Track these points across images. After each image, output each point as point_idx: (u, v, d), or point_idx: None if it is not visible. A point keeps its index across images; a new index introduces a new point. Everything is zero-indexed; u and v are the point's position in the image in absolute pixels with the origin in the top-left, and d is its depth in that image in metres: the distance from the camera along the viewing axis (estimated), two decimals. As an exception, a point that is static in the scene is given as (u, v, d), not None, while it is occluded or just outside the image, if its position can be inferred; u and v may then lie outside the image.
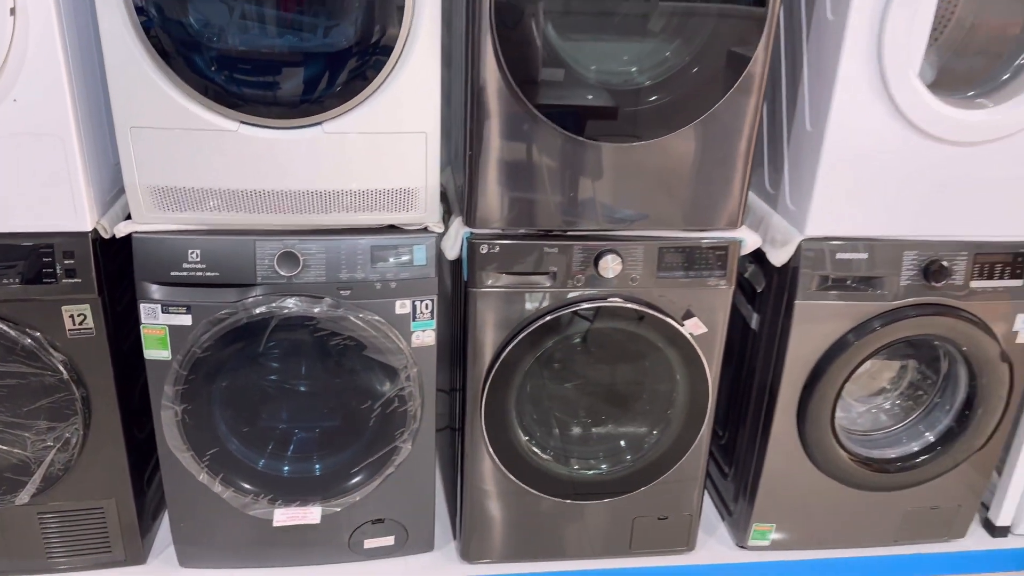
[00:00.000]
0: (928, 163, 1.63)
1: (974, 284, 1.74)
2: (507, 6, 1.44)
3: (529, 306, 1.67)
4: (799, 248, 1.69)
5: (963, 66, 1.75)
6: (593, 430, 1.89)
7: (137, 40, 1.40)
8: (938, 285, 1.72)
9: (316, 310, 1.59)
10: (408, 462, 1.75)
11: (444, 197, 1.87)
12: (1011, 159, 1.64)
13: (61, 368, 1.61)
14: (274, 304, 1.58)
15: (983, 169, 1.65)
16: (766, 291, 1.83)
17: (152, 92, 1.44)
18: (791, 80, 1.73)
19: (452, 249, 1.67)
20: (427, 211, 1.65)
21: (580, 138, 1.56)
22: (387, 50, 1.48)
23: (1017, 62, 1.63)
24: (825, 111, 1.58)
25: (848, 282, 1.72)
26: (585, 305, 1.66)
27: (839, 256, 1.70)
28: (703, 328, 1.71)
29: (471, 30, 1.48)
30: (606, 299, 1.67)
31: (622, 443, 1.86)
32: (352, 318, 1.60)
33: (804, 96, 1.67)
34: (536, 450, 1.81)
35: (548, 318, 1.66)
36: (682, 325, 1.70)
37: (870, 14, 1.50)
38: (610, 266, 1.64)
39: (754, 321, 1.89)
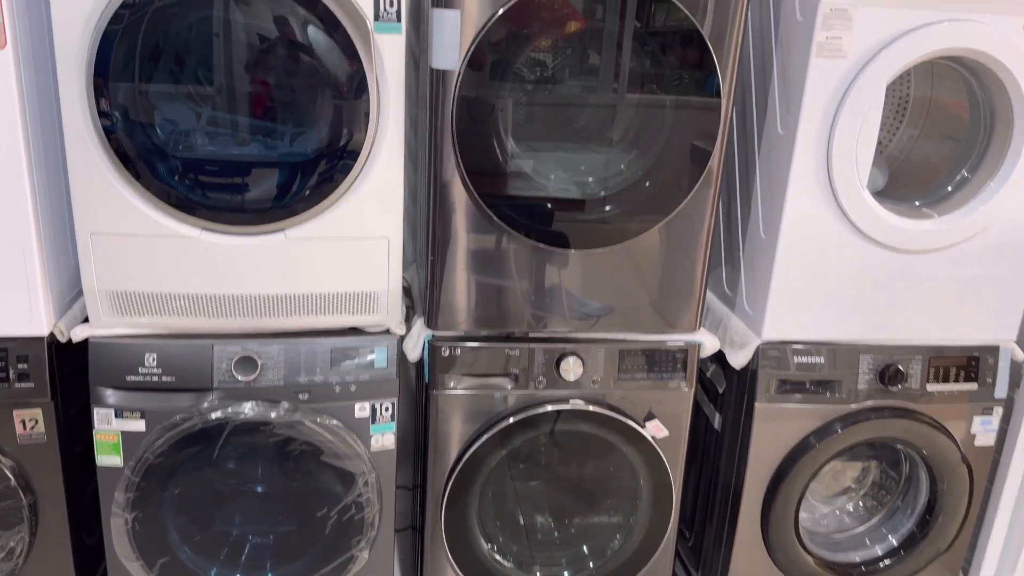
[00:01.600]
0: (879, 269, 1.67)
1: (931, 387, 1.76)
2: (467, 118, 1.48)
3: (491, 408, 1.66)
4: (757, 351, 1.71)
5: (910, 176, 1.82)
6: (556, 534, 1.86)
7: (100, 146, 1.42)
8: (895, 389, 1.74)
9: (273, 415, 1.57)
10: (365, 572, 1.70)
11: (408, 293, 1.88)
12: (959, 266, 1.69)
13: (9, 474, 1.56)
14: (230, 409, 1.56)
15: (933, 275, 1.69)
16: (727, 391, 1.84)
17: (113, 198, 1.45)
18: (744, 188, 1.79)
19: (414, 351, 1.67)
20: (389, 313, 1.65)
21: (541, 245, 1.59)
22: (352, 156, 1.51)
23: (960, 175, 1.70)
24: (778, 219, 1.63)
25: (807, 385, 1.73)
26: (547, 407, 1.66)
27: (797, 360, 1.72)
28: (664, 431, 1.71)
29: (433, 139, 1.52)
30: (567, 401, 1.67)
31: (585, 548, 1.83)
32: (309, 423, 1.58)
33: (757, 203, 1.72)
34: (498, 557, 1.77)
35: (511, 420, 1.65)
36: (643, 427, 1.70)
37: (818, 128, 1.56)
38: (571, 368, 1.64)
39: (716, 421, 1.89)
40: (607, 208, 1.59)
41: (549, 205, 1.57)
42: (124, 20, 1.34)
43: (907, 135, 1.87)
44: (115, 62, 1.38)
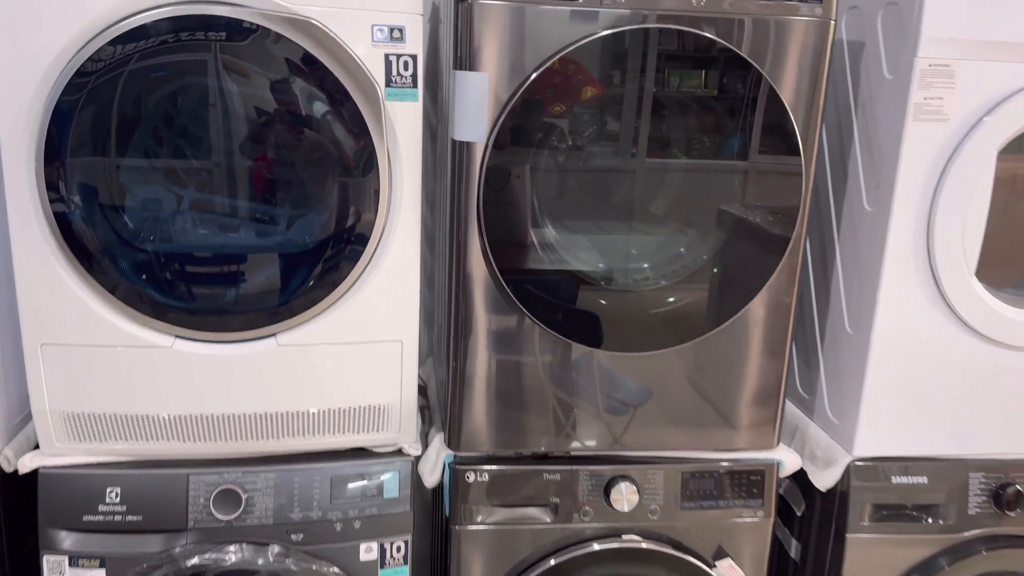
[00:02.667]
0: (992, 370, 1.39)
1: (1058, 511, 1.46)
2: (496, 197, 1.24)
3: (526, 546, 1.36)
4: (848, 470, 1.41)
5: (1002, 254, 1.55)
6: None
7: (52, 237, 1.16)
8: (1013, 514, 1.44)
9: (260, 562, 1.28)
10: None
11: (423, 391, 1.60)
12: (1088, 364, 1.41)
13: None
14: (209, 555, 1.27)
15: (1056, 376, 1.41)
16: (808, 515, 1.53)
17: (68, 301, 1.19)
18: (820, 273, 1.52)
19: (432, 474, 1.38)
20: (402, 430, 1.37)
21: (584, 347, 1.32)
22: (361, 241, 1.26)
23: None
24: (869, 311, 1.36)
25: (907, 510, 1.43)
26: (595, 546, 1.36)
27: (896, 479, 1.42)
28: (739, 572, 1.40)
29: (456, 220, 1.27)
30: (620, 536, 1.37)
31: None
32: (303, 572, 1.28)
33: (839, 291, 1.45)
34: None
35: (551, 562, 1.35)
36: (713, 567, 1.39)
37: (916, 205, 1.30)
38: (624, 496, 1.35)
39: (794, 549, 1.58)
40: (669, 300, 1.32)
41: (603, 301, 1.31)
42: (83, 90, 1.11)
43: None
44: (73, 138, 1.14)
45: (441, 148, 1.47)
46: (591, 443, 1.38)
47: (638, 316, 1.33)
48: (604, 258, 1.35)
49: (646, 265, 1.36)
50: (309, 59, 1.15)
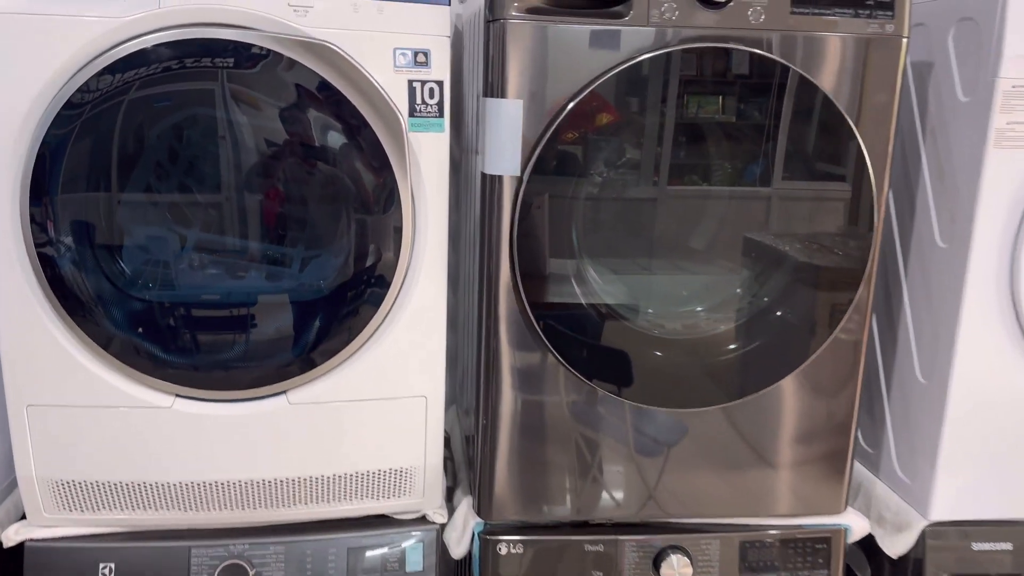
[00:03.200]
0: (1084, 423, 1.25)
1: None
2: (533, 235, 1.11)
3: (565, 625, 1.22)
4: (922, 535, 1.26)
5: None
6: None
7: (38, 285, 1.05)
8: (1112, 584, 1.28)
9: (270, 647, 1.14)
10: None
11: (447, 443, 1.47)
12: None
13: None
14: (211, 640, 1.13)
15: None
16: (875, 584, 1.38)
17: (56, 358, 1.07)
18: (885, 316, 1.38)
19: (459, 545, 1.24)
20: (426, 496, 1.23)
21: (631, 403, 1.19)
22: (382, 284, 1.13)
23: None
24: (946, 359, 1.21)
25: (990, 580, 1.28)
26: (643, 625, 1.22)
27: (976, 546, 1.27)
28: (804, 652, 1.25)
29: (486, 261, 1.14)
30: (670, 613, 1.23)
31: None
32: (319, 660, 1.15)
33: (908, 336, 1.31)
34: None
35: (593, 644, 1.21)
36: (775, 647, 1.25)
37: (999, 240, 1.16)
38: (676, 570, 1.20)
39: (859, 621, 1.43)
40: (730, 348, 1.19)
41: (657, 352, 1.18)
42: (74, 123, 1.00)
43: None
44: (64, 174, 1.02)
45: (464, 179, 1.35)
46: (639, 512, 1.24)
47: (690, 366, 1.19)
48: (650, 300, 1.22)
49: (699, 308, 1.23)
50: (325, 87, 1.04)
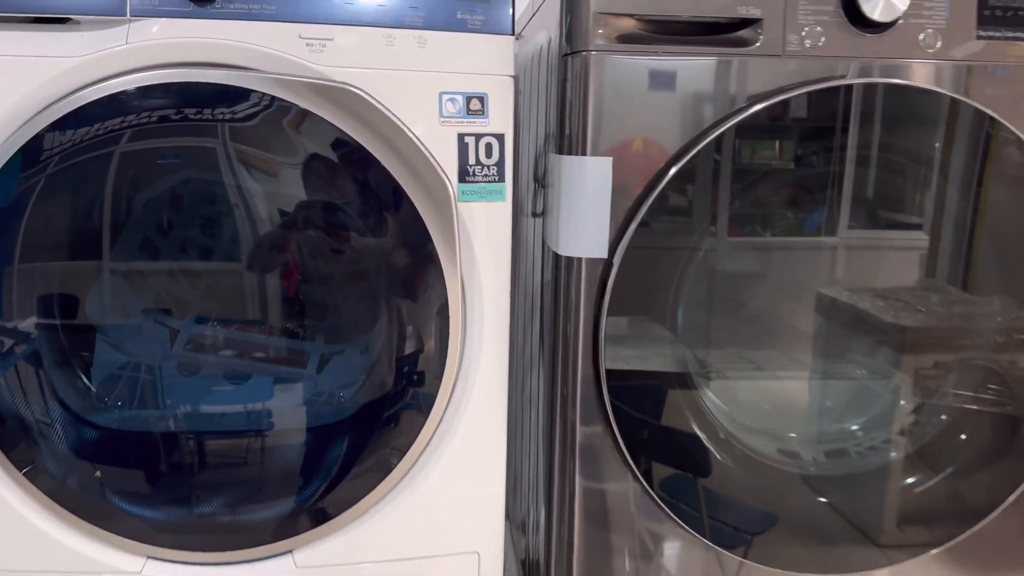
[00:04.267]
0: None
1: None
2: (621, 336, 0.82)
3: None
4: None
5: None
6: None
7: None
8: None
9: None
10: None
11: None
12: None
13: None
14: None
15: None
16: None
17: (-8, 509, 0.80)
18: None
19: None
20: None
21: (766, 568, 0.87)
22: (420, 403, 0.85)
23: None
24: None
25: None
26: None
27: None
28: None
29: (558, 375, 0.85)
30: None
31: None
32: None
33: None
34: None
35: None
36: None
37: None
38: None
39: None
40: (909, 482, 0.87)
41: (798, 494, 0.86)
42: (20, 187, 0.75)
43: None
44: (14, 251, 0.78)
45: (526, 256, 1.07)
46: None
47: (847, 511, 0.87)
48: (789, 419, 0.91)
49: (854, 427, 0.91)
50: (345, 144, 0.77)
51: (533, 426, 1.04)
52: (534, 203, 1.07)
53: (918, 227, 0.86)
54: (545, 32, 0.93)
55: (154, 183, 0.82)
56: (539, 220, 0.96)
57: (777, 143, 0.80)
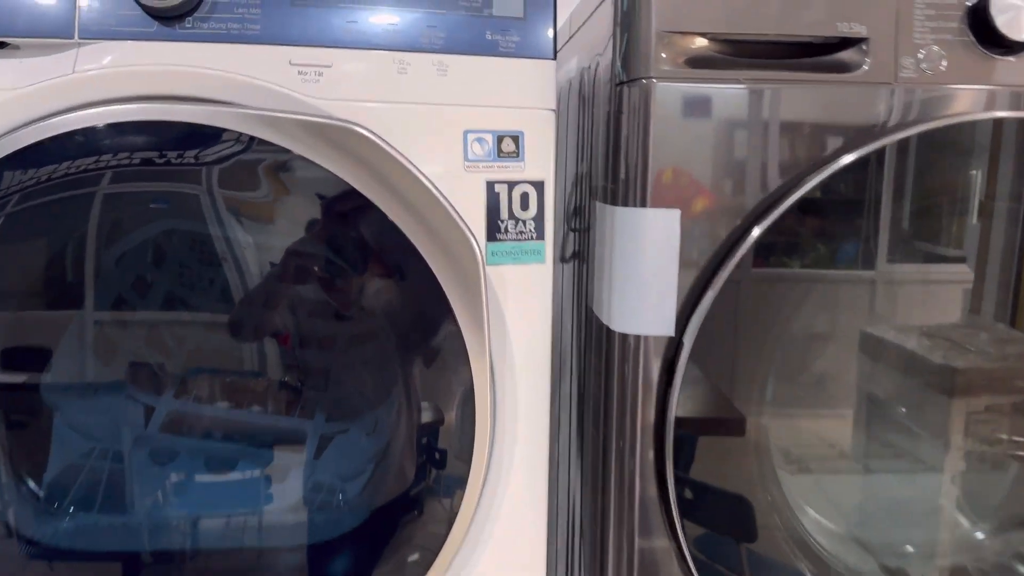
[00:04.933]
0: None
1: None
2: (690, 428, 0.65)
3: None
4: None
5: None
6: None
7: None
8: None
9: None
10: None
11: None
12: None
13: None
14: None
15: None
16: None
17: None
18: None
19: None
20: None
21: None
22: (441, 527, 0.69)
23: None
24: None
25: None
26: None
27: None
28: None
29: (613, 475, 0.69)
30: None
31: None
32: None
33: None
34: None
35: None
36: None
37: None
38: None
39: None
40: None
41: None
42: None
43: None
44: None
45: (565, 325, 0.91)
46: None
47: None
48: (905, 527, 0.74)
49: (979, 535, 0.73)
50: (344, 195, 0.62)
51: (563, 516, 0.87)
52: (562, 246, 0.92)
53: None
54: (578, 59, 0.78)
55: (119, 236, 0.67)
56: (567, 264, 0.80)
57: (890, 188, 0.64)
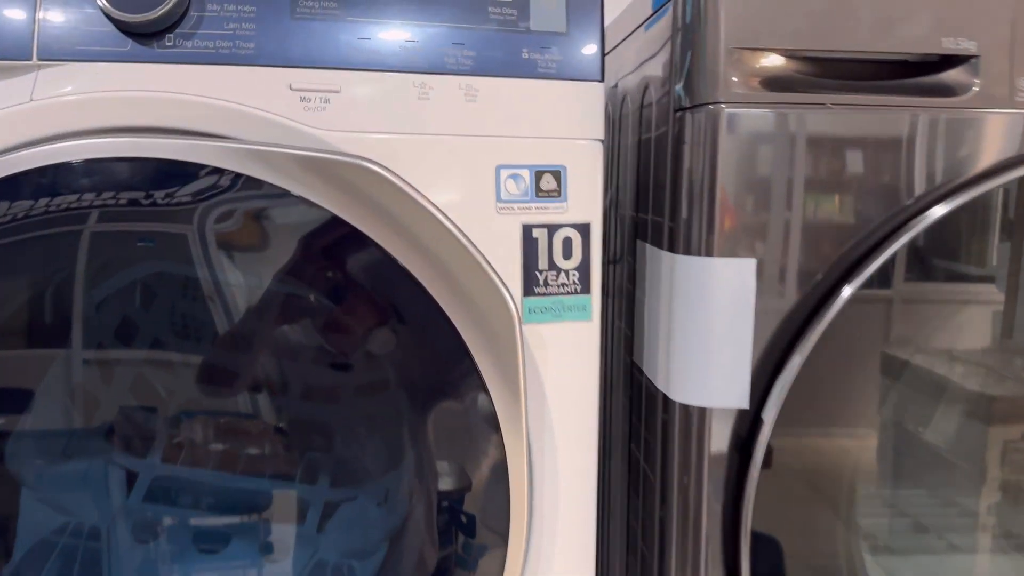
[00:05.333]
0: None
1: None
2: (773, 523, 0.54)
3: None
4: None
5: None
6: None
7: None
8: None
9: None
10: None
11: None
12: None
13: None
14: None
15: None
16: None
17: None
18: None
19: None
20: None
21: None
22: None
23: None
24: None
25: None
26: None
27: None
28: None
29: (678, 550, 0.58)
30: None
31: None
32: None
33: None
34: None
35: None
36: None
37: None
38: None
39: None
40: None
41: None
42: None
43: None
44: None
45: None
46: None
47: None
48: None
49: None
50: (355, 243, 0.52)
51: None
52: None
53: None
54: (619, 77, 0.69)
55: (99, 281, 0.57)
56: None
57: (1006, 226, 0.53)
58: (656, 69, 0.59)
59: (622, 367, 0.69)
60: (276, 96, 0.50)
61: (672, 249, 0.56)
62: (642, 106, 0.63)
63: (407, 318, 0.55)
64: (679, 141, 0.55)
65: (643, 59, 0.63)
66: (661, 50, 0.58)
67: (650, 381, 0.61)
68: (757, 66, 0.52)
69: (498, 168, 0.53)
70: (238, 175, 0.48)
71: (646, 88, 0.62)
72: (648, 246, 0.61)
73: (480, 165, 0.53)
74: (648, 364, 0.61)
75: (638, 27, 0.65)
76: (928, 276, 0.53)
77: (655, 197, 0.60)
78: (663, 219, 0.58)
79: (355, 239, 0.51)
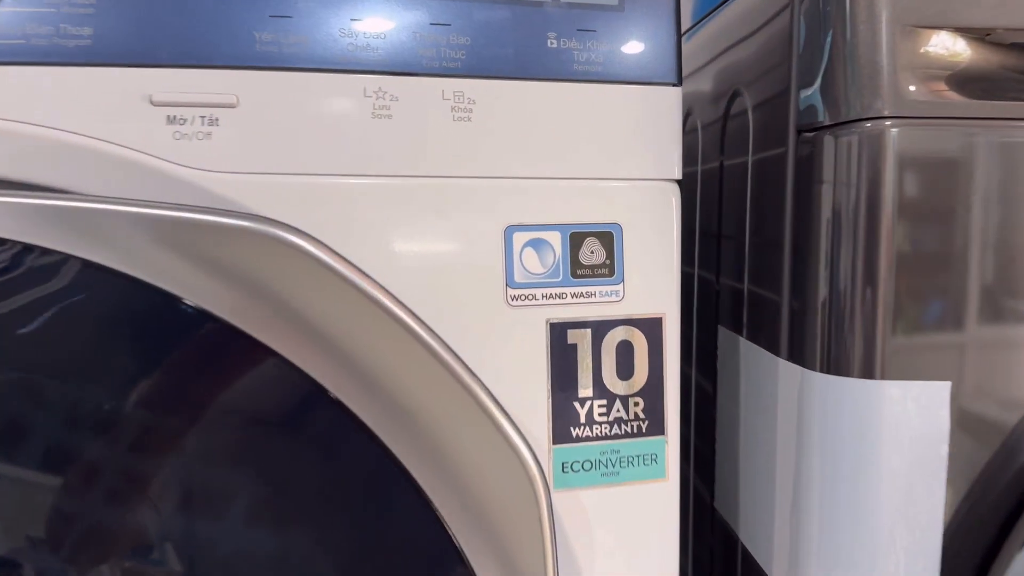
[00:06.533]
0: None
1: None
2: None
3: None
4: None
5: None
6: None
7: None
8: None
9: None
10: None
11: None
12: None
13: None
14: None
15: None
16: None
17: None
18: None
19: None
20: None
21: None
22: None
23: None
24: None
25: None
26: None
27: None
28: None
29: None
30: None
31: None
32: None
33: None
34: None
35: None
36: None
37: None
38: None
39: None
40: None
41: None
42: None
43: None
44: None
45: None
46: None
47: None
48: None
49: None
50: (250, 359, 0.30)
51: None
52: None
53: None
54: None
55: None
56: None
57: None
58: (754, 63, 0.38)
59: (690, 507, 0.47)
60: (127, 116, 0.29)
61: (797, 359, 0.34)
62: (726, 117, 0.41)
63: (343, 493, 0.33)
64: (811, 177, 0.33)
65: (724, 46, 0.42)
66: (761, 31, 0.37)
67: (750, 555, 0.38)
68: (945, 56, 0.31)
69: (509, 231, 0.32)
70: (26, 245, 0.27)
71: (734, 95, 0.41)
72: (742, 340, 0.39)
73: (479, 226, 0.31)
74: (745, 531, 0.39)
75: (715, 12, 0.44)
76: None
77: (755, 260, 0.38)
78: (780, 298, 0.35)
79: (247, 354, 0.29)
